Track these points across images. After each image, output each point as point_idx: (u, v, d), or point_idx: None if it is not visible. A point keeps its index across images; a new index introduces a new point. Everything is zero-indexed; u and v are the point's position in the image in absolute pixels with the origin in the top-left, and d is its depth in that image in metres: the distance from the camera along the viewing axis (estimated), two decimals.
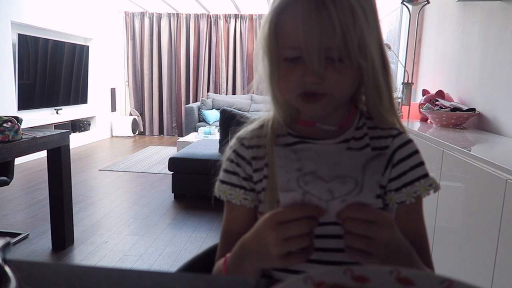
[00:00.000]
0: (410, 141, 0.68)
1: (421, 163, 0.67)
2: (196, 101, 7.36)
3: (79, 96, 6.10)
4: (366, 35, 0.57)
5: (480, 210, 1.31)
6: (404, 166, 0.67)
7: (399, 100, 2.81)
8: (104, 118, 6.90)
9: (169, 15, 7.30)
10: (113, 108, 7.25)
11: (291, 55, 0.59)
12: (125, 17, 7.37)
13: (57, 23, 5.44)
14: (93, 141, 6.53)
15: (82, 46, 6.03)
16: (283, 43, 0.59)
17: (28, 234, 2.67)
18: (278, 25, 0.59)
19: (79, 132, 6.15)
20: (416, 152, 0.68)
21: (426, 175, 0.67)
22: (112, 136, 7.18)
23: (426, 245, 0.68)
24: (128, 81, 7.53)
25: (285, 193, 0.48)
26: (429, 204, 1.71)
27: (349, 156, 0.46)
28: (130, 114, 7.54)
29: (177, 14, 7.29)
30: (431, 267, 0.66)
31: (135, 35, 7.41)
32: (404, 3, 2.89)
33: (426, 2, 2.81)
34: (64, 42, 5.59)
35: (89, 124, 6.45)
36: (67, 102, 5.84)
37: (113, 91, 7.22)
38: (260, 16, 7.15)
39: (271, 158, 0.67)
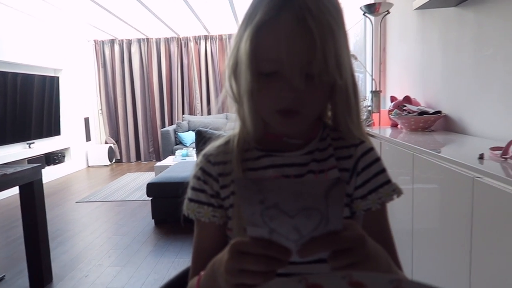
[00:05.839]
0: (372, 149, 0.70)
1: (383, 170, 0.69)
2: (172, 124, 7.32)
3: (51, 128, 5.98)
4: (341, 53, 0.59)
5: (453, 209, 1.34)
6: (367, 173, 0.68)
7: (369, 108, 2.87)
8: (79, 149, 6.77)
9: (139, 40, 7.31)
10: (88, 138, 7.13)
11: (267, 69, 0.59)
12: (95, 45, 7.34)
13: (25, 56, 5.36)
14: (68, 173, 6.38)
15: (52, 77, 5.94)
16: (262, 56, 0.59)
17: (4, 275, 2.56)
18: (259, 39, 0.59)
19: (54, 164, 6.01)
20: (378, 159, 0.70)
21: (388, 182, 0.68)
22: (88, 166, 7.03)
23: (394, 247, 0.70)
24: (101, 109, 7.45)
25: (252, 228, 0.46)
26: (405, 207, 1.74)
27: (310, 185, 0.44)
28: (106, 142, 7.43)
29: (147, 39, 7.31)
30: (400, 267, 0.67)
31: (106, 62, 7.37)
32: (366, 14, 2.98)
33: (386, 12, 2.91)
34: (34, 74, 5.50)
35: (64, 156, 6.31)
36: (40, 135, 5.71)
37: (86, 120, 7.12)
38: (230, 35, 7.24)
39: (237, 175, 0.67)
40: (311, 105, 0.61)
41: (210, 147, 0.73)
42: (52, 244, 2.92)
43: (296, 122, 0.62)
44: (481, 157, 1.28)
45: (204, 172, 0.71)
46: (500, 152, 1.28)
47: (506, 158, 1.25)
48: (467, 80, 2.01)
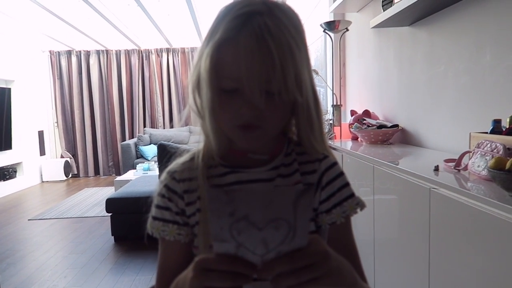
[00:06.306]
0: (335, 163, 0.71)
1: (347, 184, 0.70)
2: (133, 137, 7.15)
3: (2, 141, 5.66)
4: (301, 71, 0.60)
5: (412, 220, 1.39)
6: (332, 188, 0.69)
7: (331, 122, 2.94)
8: (32, 163, 6.45)
9: (98, 52, 7.13)
10: (42, 152, 6.82)
11: (228, 86, 0.59)
12: (50, 56, 7.08)
13: None
14: (21, 189, 6.05)
15: (3, 89, 5.65)
16: (222, 74, 0.59)
17: None
18: (219, 57, 0.59)
19: (4, 180, 5.68)
20: (342, 173, 0.71)
21: (352, 195, 0.70)
22: (43, 181, 6.71)
23: (358, 260, 0.71)
24: (57, 122, 7.16)
25: (218, 244, 0.46)
26: (367, 217, 1.78)
27: (280, 194, 0.45)
28: (62, 157, 7.12)
29: (107, 50, 7.14)
30: (365, 280, 0.69)
31: (62, 74, 7.12)
32: (326, 31, 3.08)
33: (345, 30, 3.02)
34: None
35: (16, 171, 5.99)
36: None
37: (41, 133, 6.81)
38: (192, 49, 7.22)
39: (203, 191, 0.66)
40: (271, 121, 0.62)
41: (175, 164, 0.72)
42: (1, 266, 2.74)
43: (256, 136, 0.62)
44: (436, 169, 1.35)
45: (168, 189, 0.69)
46: (453, 164, 1.35)
47: (459, 170, 1.31)
48: (421, 95, 2.11)
